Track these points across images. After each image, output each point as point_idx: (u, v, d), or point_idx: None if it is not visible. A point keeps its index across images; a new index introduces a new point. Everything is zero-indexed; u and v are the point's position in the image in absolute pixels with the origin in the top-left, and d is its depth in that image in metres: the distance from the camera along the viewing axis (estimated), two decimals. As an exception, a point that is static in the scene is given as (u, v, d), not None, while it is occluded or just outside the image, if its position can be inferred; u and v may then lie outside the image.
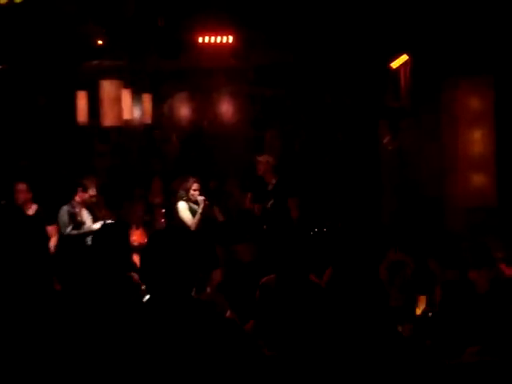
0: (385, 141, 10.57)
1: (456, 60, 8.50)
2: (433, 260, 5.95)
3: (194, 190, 8.54)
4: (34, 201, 8.42)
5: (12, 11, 8.17)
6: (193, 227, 8.40)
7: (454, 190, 8.78)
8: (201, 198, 8.52)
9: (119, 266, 5.27)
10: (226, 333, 2.66)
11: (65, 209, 8.51)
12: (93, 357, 2.62)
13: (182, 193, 8.56)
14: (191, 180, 8.64)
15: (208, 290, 8.43)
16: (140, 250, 5.09)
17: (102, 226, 6.85)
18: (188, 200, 8.53)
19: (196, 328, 2.62)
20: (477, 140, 8.60)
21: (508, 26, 7.94)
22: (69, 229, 8.40)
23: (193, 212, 8.50)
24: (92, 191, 8.70)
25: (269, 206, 8.70)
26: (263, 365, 3.68)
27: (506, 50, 8.13)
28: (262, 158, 8.99)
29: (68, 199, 8.62)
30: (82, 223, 8.44)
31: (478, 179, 8.59)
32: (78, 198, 8.57)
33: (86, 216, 8.59)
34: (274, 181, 8.79)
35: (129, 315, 2.74)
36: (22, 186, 8.35)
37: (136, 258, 7.38)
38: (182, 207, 8.50)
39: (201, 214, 8.47)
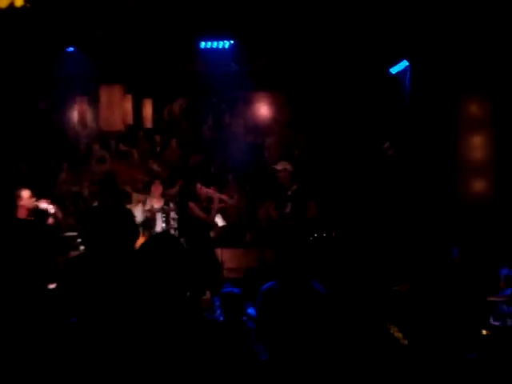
0: (385, 146, 10.58)
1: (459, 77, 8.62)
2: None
3: (200, 188, 8.54)
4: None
5: (14, 16, 8.20)
6: (210, 221, 8.47)
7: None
8: (213, 193, 8.56)
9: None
10: (214, 338, 2.66)
11: None
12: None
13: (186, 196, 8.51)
14: (193, 182, 8.64)
15: (208, 294, 8.47)
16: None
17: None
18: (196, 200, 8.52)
19: (183, 331, 2.61)
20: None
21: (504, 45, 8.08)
22: None
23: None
24: None
25: (288, 210, 8.59)
26: (257, 369, 3.69)
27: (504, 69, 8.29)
28: (280, 166, 8.86)
29: None
30: None
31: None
32: None
33: None
34: (294, 187, 8.66)
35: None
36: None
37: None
38: (194, 206, 8.48)
39: (216, 208, 8.52)
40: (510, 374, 4.25)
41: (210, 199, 8.66)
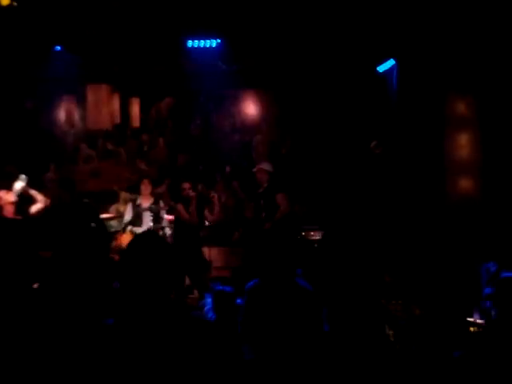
0: (371, 145, 10.61)
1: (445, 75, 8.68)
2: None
3: (189, 189, 8.81)
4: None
5: (0, 15, 8.19)
6: (193, 222, 8.74)
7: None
8: (192, 194, 8.81)
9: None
10: (201, 336, 2.65)
11: None
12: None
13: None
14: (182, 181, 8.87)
15: (195, 293, 8.50)
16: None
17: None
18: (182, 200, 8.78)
19: (170, 330, 2.61)
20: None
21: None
22: None
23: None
24: None
25: (261, 203, 8.75)
26: (242, 366, 3.69)
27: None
28: (261, 167, 8.93)
29: None
30: None
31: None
32: None
33: None
34: (265, 184, 8.77)
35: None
36: None
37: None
38: (181, 208, 8.78)
39: (194, 208, 8.77)
40: (495, 371, 4.29)
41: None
